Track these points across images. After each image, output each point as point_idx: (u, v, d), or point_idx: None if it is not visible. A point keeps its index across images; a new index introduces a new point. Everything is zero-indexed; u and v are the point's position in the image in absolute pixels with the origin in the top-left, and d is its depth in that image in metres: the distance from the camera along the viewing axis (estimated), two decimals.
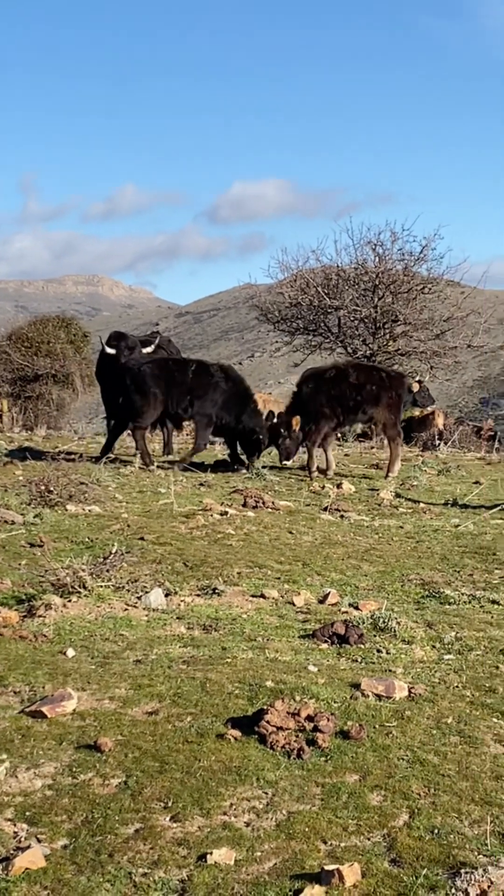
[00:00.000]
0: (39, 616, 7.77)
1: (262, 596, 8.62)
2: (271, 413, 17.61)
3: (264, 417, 17.16)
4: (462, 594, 8.93)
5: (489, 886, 4.21)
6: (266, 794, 5.02)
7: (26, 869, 4.31)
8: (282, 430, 17.23)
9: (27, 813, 4.80)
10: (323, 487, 15.14)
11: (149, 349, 17.51)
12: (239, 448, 17.34)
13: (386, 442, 18.68)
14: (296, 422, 17.21)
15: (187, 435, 22.14)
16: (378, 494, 14.74)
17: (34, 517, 11.09)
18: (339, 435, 20.95)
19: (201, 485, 14.53)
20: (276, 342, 33.43)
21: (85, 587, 8.30)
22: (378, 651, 7.29)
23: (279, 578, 9.29)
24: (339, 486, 15.25)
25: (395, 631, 7.68)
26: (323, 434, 17.26)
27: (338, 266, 31.26)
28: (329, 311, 30.27)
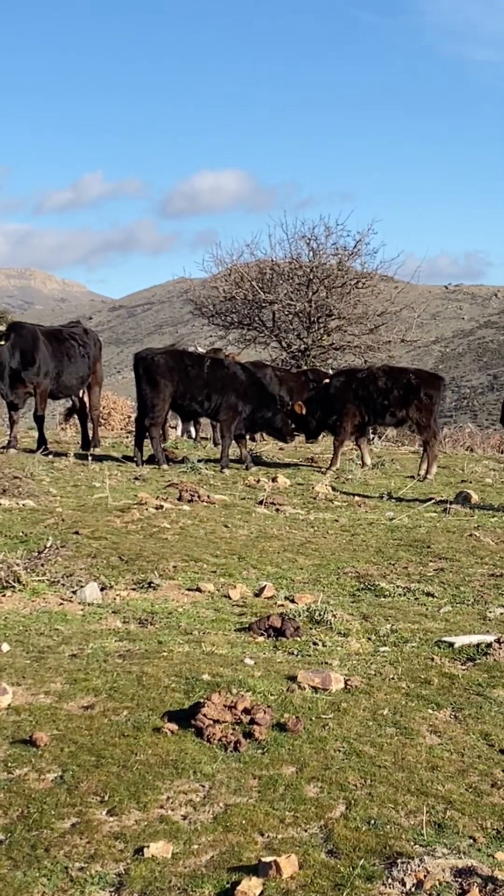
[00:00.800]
0: None
1: (198, 590, 8.60)
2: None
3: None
4: (397, 587, 8.97)
5: (425, 876, 4.24)
6: (203, 787, 5.02)
7: None
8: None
9: None
10: (258, 481, 15.14)
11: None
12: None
13: (419, 444, 18.72)
14: (299, 407, 17.38)
15: (123, 430, 22.07)
16: (313, 488, 14.76)
17: None
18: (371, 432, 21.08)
19: (136, 479, 14.47)
20: (211, 336, 33.45)
21: (19, 581, 8.24)
22: (314, 644, 7.31)
23: (215, 572, 9.28)
24: (274, 479, 15.26)
25: (330, 623, 7.70)
26: (349, 433, 17.43)
27: (272, 260, 31.27)
28: (263, 305, 30.27)
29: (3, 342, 16.08)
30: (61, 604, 8.05)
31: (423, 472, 16.81)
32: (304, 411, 17.44)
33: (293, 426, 17.69)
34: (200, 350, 21.91)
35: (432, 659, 7.04)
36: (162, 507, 11.94)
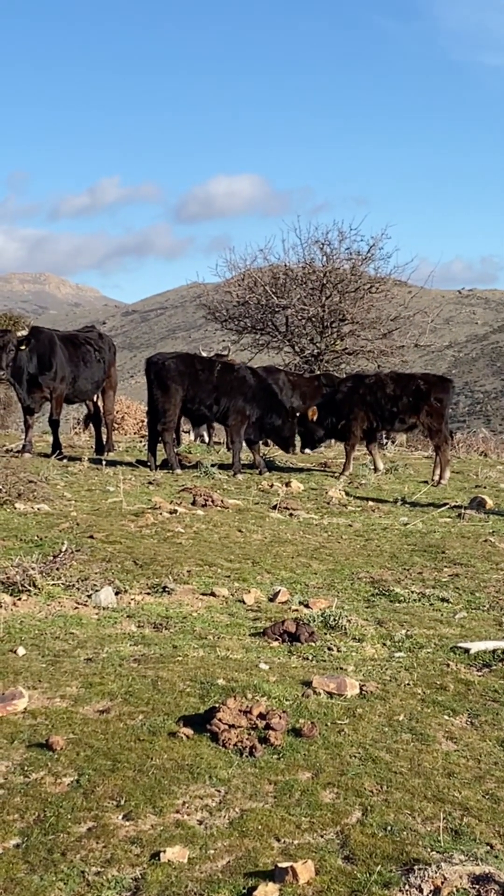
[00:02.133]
0: None
1: (213, 594, 8.60)
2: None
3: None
4: (412, 592, 8.97)
5: (443, 882, 4.23)
6: (219, 791, 5.01)
7: None
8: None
9: None
10: (272, 486, 15.14)
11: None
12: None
13: (431, 449, 18.69)
14: (312, 412, 17.43)
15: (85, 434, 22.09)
16: (327, 493, 14.76)
17: None
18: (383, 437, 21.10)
19: (150, 483, 14.48)
20: (224, 341, 33.42)
21: (35, 585, 8.25)
22: (329, 649, 7.30)
23: (229, 577, 9.28)
24: (287, 484, 15.26)
25: (345, 629, 7.70)
26: (359, 438, 17.47)
27: (285, 265, 31.28)
28: (277, 310, 30.27)
29: (24, 347, 16.12)
30: (76, 608, 8.06)
31: (436, 478, 16.79)
32: (316, 417, 17.43)
33: (302, 430, 17.69)
34: (204, 354, 21.97)
35: (448, 665, 7.03)
36: (176, 511, 11.95)
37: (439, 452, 17.00)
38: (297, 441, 18.14)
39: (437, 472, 16.93)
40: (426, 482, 16.66)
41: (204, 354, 19.96)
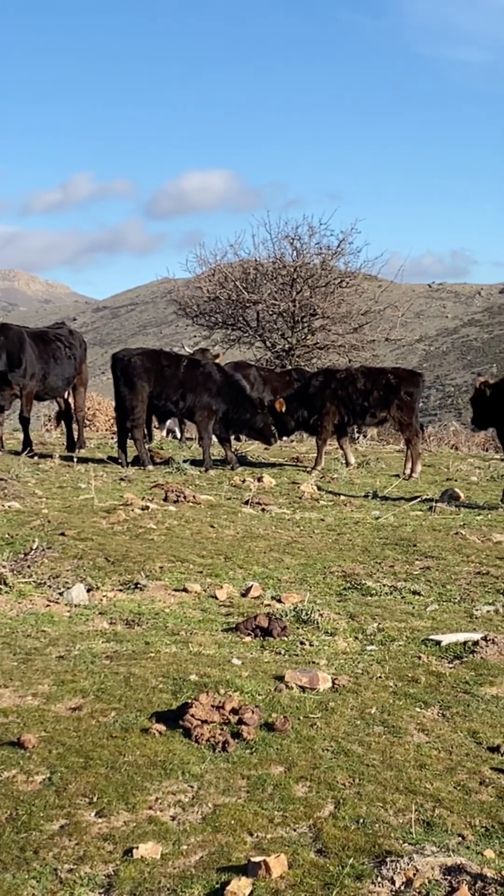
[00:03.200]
0: None
1: (185, 590, 8.60)
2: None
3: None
4: (384, 585, 8.99)
5: (415, 874, 4.25)
6: (192, 787, 5.02)
7: None
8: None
9: None
10: (244, 481, 15.14)
11: None
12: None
13: (402, 442, 18.70)
14: (280, 405, 17.38)
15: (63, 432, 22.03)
16: (299, 488, 14.77)
17: None
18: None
19: (122, 480, 14.46)
20: (195, 337, 33.42)
21: (6, 583, 8.24)
22: (301, 643, 7.32)
23: (201, 572, 9.28)
24: (259, 479, 15.26)
25: (317, 623, 7.71)
26: (330, 432, 17.46)
27: (256, 260, 31.29)
28: (247, 305, 30.29)
29: None
30: (48, 605, 8.04)
31: (408, 471, 16.84)
32: (284, 409, 17.40)
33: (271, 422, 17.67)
34: (187, 350, 21.94)
35: (419, 657, 7.05)
36: (148, 507, 11.93)
37: (410, 446, 17.04)
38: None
39: (409, 465, 16.97)
40: (398, 476, 16.70)
41: (187, 351, 20.05)
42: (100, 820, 4.70)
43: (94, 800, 4.86)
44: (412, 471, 16.78)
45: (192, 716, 5.60)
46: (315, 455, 17.60)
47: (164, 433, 22.32)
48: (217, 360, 19.81)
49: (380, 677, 6.63)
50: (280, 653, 7.09)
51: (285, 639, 7.38)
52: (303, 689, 6.27)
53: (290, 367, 24.70)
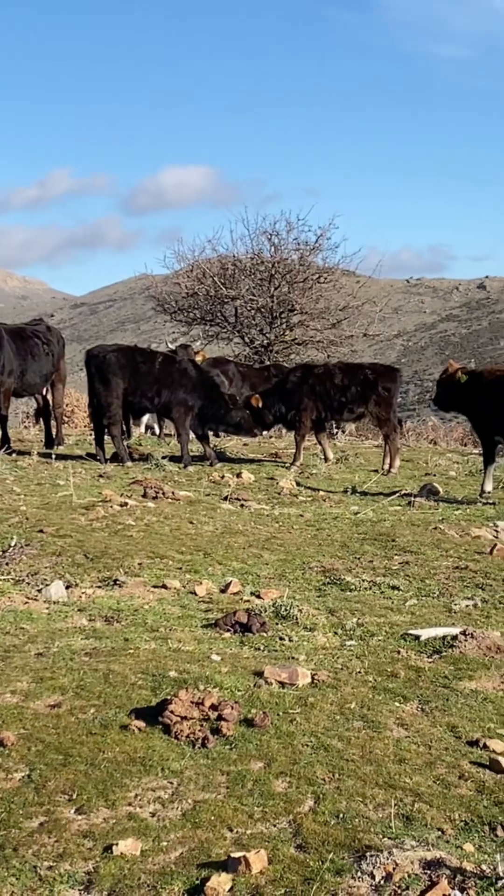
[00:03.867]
0: None
1: (164, 586, 8.59)
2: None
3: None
4: (363, 580, 9.00)
5: (394, 868, 4.26)
6: (171, 783, 5.02)
7: None
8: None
9: None
10: (223, 477, 15.13)
11: None
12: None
13: (381, 438, 18.77)
14: (255, 400, 17.37)
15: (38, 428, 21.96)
16: (278, 483, 14.78)
17: None
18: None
19: (100, 476, 14.43)
20: (174, 333, 33.36)
21: None
22: (281, 639, 7.32)
23: (181, 568, 9.27)
24: (238, 475, 15.26)
25: (297, 618, 7.72)
26: (308, 428, 17.50)
27: (234, 256, 31.27)
28: (226, 301, 30.27)
29: None
30: (26, 602, 8.02)
31: (386, 466, 16.89)
32: (260, 405, 17.39)
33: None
34: (170, 346, 21.91)
35: (399, 652, 7.07)
36: (126, 504, 11.92)
37: (388, 441, 17.10)
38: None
39: (388, 460, 17.02)
40: (376, 471, 16.73)
41: (170, 347, 20.09)
42: (79, 817, 4.69)
43: (74, 797, 4.85)
44: (390, 466, 16.84)
45: (172, 712, 5.59)
46: (293, 451, 17.60)
47: (143, 429, 22.29)
48: (198, 357, 19.82)
49: (359, 672, 6.64)
50: (259, 648, 7.09)
51: (264, 634, 7.38)
52: (282, 684, 6.28)
53: (268, 363, 24.68)
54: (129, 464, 15.93)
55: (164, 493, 12.76)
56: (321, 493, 14.20)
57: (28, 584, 8.43)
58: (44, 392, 18.18)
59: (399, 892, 4.15)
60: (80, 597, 8.24)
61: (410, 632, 7.52)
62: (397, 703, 6.16)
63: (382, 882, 4.21)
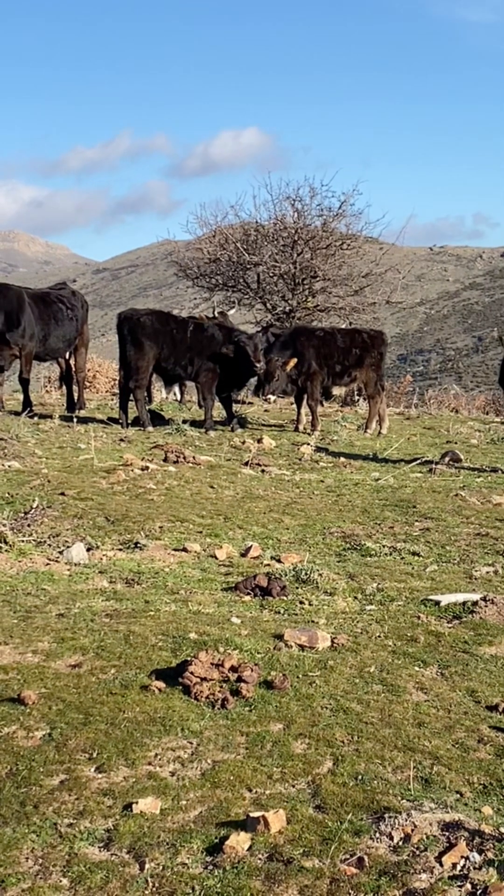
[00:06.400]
0: None
1: (185, 550, 8.61)
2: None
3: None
4: (383, 546, 9.00)
5: (413, 830, 4.27)
6: (191, 743, 5.04)
7: None
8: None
9: None
10: (243, 442, 15.14)
11: None
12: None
13: (364, 399, 18.97)
14: (292, 363, 17.30)
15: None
16: (299, 449, 14.77)
17: None
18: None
19: (122, 440, 14.45)
20: (195, 298, 33.32)
21: (6, 542, 8.24)
22: (300, 603, 7.33)
23: (201, 532, 9.29)
24: (259, 440, 15.25)
25: (317, 583, 7.73)
26: (320, 393, 17.79)
27: (256, 222, 31.10)
28: (248, 266, 30.13)
29: None
30: (48, 564, 8.05)
31: (373, 428, 17.59)
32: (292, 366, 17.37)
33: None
34: (210, 314, 21.89)
35: (418, 617, 7.08)
36: (147, 468, 11.93)
37: (372, 403, 17.74)
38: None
39: (372, 422, 17.81)
40: (399, 439, 16.70)
41: (210, 315, 20.15)
42: (99, 775, 4.72)
43: (94, 755, 4.88)
44: (367, 426, 17.54)
45: (192, 673, 5.61)
46: (311, 418, 17.54)
47: (165, 394, 22.28)
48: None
49: (379, 636, 6.65)
50: (279, 612, 7.11)
51: (284, 598, 7.39)
52: (302, 647, 6.30)
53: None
54: (151, 428, 15.92)
55: (184, 458, 12.76)
56: (342, 459, 14.18)
57: (49, 545, 8.46)
58: (67, 356, 18.18)
59: (417, 853, 4.16)
60: (101, 559, 8.27)
61: (430, 597, 7.52)
62: (417, 668, 6.17)
63: (401, 843, 4.23)
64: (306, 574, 7.83)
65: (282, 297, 30.02)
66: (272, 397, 18.01)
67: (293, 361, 17.18)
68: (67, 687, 5.57)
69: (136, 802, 4.45)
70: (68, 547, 8.35)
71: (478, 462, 14.58)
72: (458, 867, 4.09)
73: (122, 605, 7.02)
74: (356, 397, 24.16)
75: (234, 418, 17.20)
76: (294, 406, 19.11)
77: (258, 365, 16.39)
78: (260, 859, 4.12)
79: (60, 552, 8.30)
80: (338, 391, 22.72)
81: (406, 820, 4.35)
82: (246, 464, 13.15)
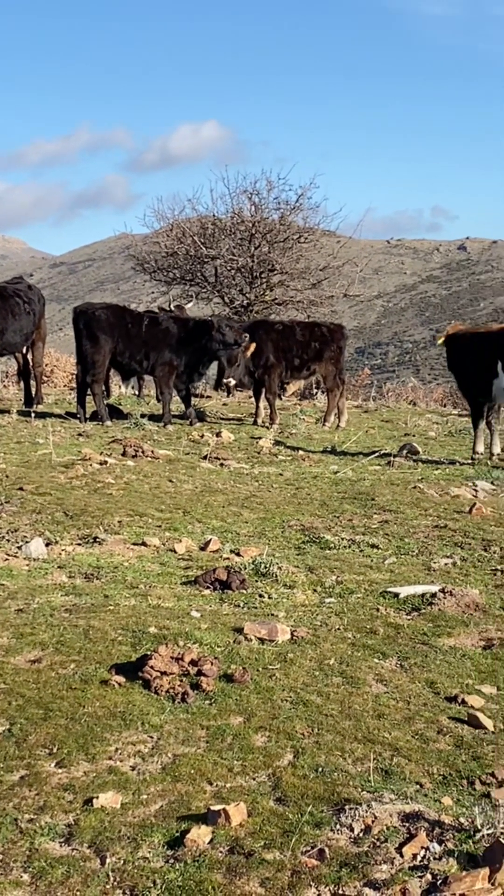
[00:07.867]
0: None
1: (144, 544, 8.59)
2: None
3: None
4: (342, 539, 9.02)
5: (373, 821, 4.29)
6: (151, 738, 5.04)
7: None
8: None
9: None
10: (202, 436, 15.13)
11: None
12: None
13: (322, 392, 19.04)
14: (252, 347, 17.36)
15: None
16: (257, 442, 14.79)
17: None
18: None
19: (80, 435, 14.41)
20: (153, 292, 33.24)
21: None
22: (260, 596, 7.34)
23: (160, 526, 9.28)
24: (218, 434, 15.26)
25: (276, 576, 7.74)
26: (277, 386, 17.90)
27: (214, 215, 31.07)
28: (206, 260, 30.10)
29: None
30: (6, 559, 8.01)
31: (331, 421, 17.70)
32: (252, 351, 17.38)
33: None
34: (166, 308, 21.83)
35: (378, 609, 7.11)
36: (106, 462, 11.91)
37: (331, 396, 17.80)
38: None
39: (330, 415, 17.90)
40: (356, 431, 16.75)
41: (166, 309, 20.11)
42: (60, 770, 4.71)
43: (54, 750, 4.87)
44: (326, 420, 17.66)
45: (152, 667, 5.61)
46: (269, 411, 17.57)
47: (123, 389, 22.22)
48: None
49: (338, 629, 6.67)
50: (239, 605, 7.12)
51: (244, 591, 7.40)
52: (262, 640, 6.31)
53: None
54: (109, 423, 15.88)
55: (143, 452, 12.74)
56: (301, 452, 14.22)
57: (8, 541, 8.42)
58: (24, 351, 18.07)
59: (378, 844, 4.18)
60: (60, 554, 8.24)
61: (389, 589, 7.55)
62: (376, 660, 6.19)
63: (361, 834, 4.24)
64: (266, 567, 7.84)
65: (240, 291, 30.01)
66: (233, 381, 17.93)
67: (253, 346, 17.19)
68: (27, 682, 5.55)
69: (97, 797, 4.44)
70: (27, 542, 8.32)
71: (436, 454, 14.65)
72: (419, 858, 4.12)
73: (82, 600, 7.00)
74: (314, 390, 24.22)
75: (193, 412, 17.20)
76: (252, 399, 19.14)
77: (244, 336, 16.46)
78: (221, 852, 4.13)
79: (19, 547, 8.26)
80: (296, 385, 22.77)
81: (366, 811, 4.37)
82: (205, 458, 13.15)
